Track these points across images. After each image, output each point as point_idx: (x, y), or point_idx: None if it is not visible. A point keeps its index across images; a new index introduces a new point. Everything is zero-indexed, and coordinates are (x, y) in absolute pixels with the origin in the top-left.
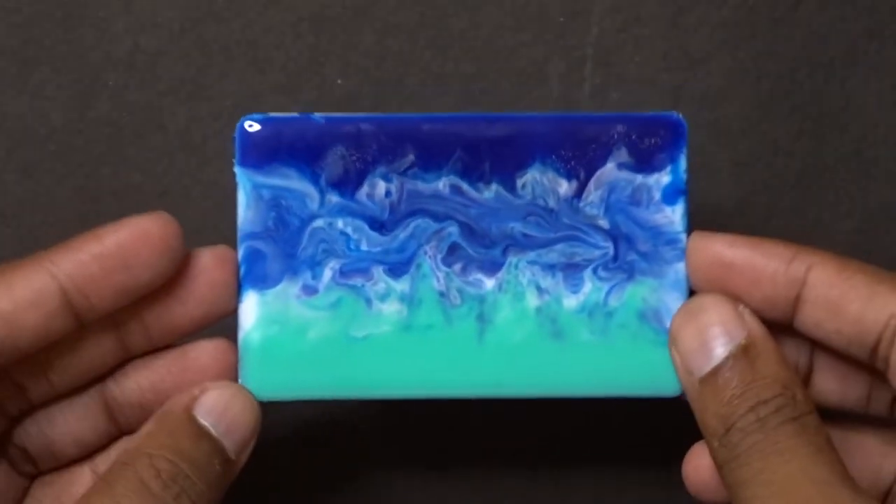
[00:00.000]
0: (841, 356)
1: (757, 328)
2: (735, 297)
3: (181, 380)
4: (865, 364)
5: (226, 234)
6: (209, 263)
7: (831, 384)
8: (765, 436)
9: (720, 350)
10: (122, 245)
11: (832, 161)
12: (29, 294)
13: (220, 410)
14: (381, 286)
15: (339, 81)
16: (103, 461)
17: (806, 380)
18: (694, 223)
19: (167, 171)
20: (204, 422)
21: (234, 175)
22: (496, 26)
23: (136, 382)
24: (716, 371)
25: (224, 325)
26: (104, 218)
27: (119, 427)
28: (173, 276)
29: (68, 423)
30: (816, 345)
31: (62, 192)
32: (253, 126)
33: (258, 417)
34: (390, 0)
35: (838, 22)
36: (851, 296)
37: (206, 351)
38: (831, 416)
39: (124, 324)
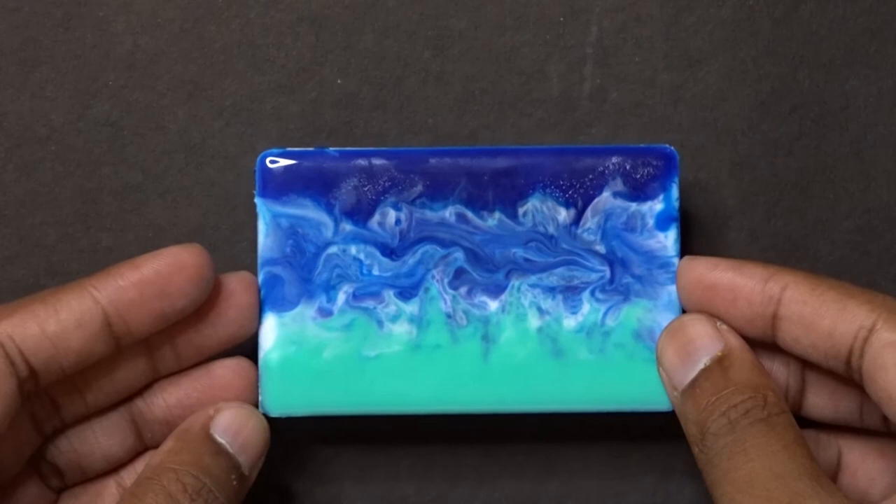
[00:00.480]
0: (829, 372)
1: (734, 341)
2: (717, 316)
3: (207, 396)
4: (845, 377)
5: (225, 234)
6: (236, 287)
7: (823, 399)
8: (735, 437)
9: (699, 364)
10: (160, 273)
11: (832, 161)
12: (74, 317)
13: (235, 429)
14: (391, 308)
15: (338, 81)
16: (129, 475)
17: (800, 397)
18: (694, 223)
19: (167, 171)
20: (221, 439)
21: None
22: (496, 26)
23: (163, 399)
24: (693, 382)
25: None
26: (104, 218)
27: (144, 442)
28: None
29: (98, 439)
30: (805, 363)
31: (62, 192)
32: (273, 161)
33: (268, 436)
34: (390, 0)
35: (838, 22)
36: (823, 311)
37: (229, 369)
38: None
39: (157, 346)
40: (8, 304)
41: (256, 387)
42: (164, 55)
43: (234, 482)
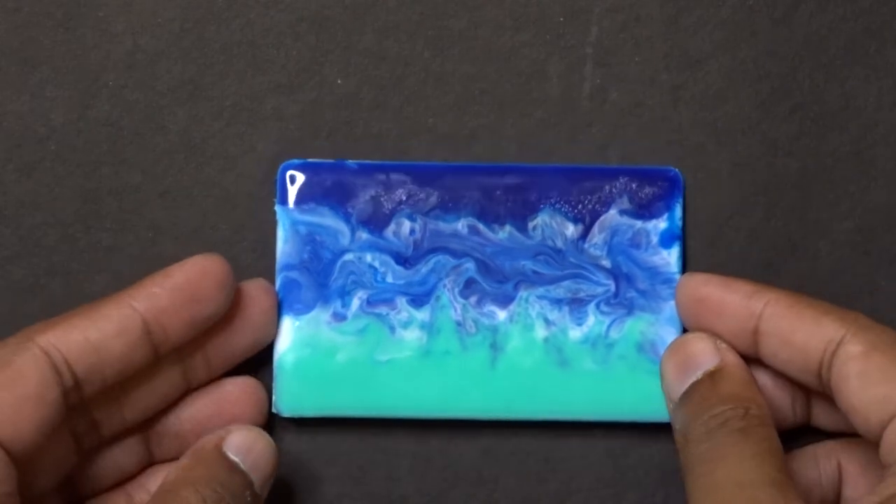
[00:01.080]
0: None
1: (729, 357)
2: (707, 329)
3: (217, 411)
4: (818, 391)
5: (225, 234)
6: (255, 293)
7: (825, 412)
8: (710, 444)
9: (693, 377)
10: (190, 280)
11: (832, 161)
12: (114, 325)
13: (246, 448)
14: (403, 315)
15: (339, 81)
16: (134, 489)
17: (807, 411)
18: (694, 224)
19: (167, 171)
20: (234, 457)
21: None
22: (496, 26)
23: (175, 414)
24: (685, 393)
25: None
26: (104, 218)
27: (152, 456)
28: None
29: (113, 453)
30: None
31: (62, 192)
32: (293, 172)
33: (278, 457)
34: (390, 0)
35: (838, 22)
36: (797, 326)
37: (237, 385)
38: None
39: (190, 357)
40: (49, 319)
41: (264, 403)
42: (164, 55)
43: (249, 498)
